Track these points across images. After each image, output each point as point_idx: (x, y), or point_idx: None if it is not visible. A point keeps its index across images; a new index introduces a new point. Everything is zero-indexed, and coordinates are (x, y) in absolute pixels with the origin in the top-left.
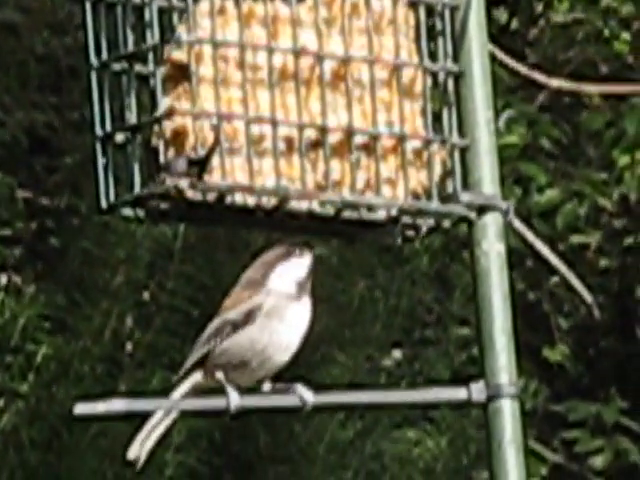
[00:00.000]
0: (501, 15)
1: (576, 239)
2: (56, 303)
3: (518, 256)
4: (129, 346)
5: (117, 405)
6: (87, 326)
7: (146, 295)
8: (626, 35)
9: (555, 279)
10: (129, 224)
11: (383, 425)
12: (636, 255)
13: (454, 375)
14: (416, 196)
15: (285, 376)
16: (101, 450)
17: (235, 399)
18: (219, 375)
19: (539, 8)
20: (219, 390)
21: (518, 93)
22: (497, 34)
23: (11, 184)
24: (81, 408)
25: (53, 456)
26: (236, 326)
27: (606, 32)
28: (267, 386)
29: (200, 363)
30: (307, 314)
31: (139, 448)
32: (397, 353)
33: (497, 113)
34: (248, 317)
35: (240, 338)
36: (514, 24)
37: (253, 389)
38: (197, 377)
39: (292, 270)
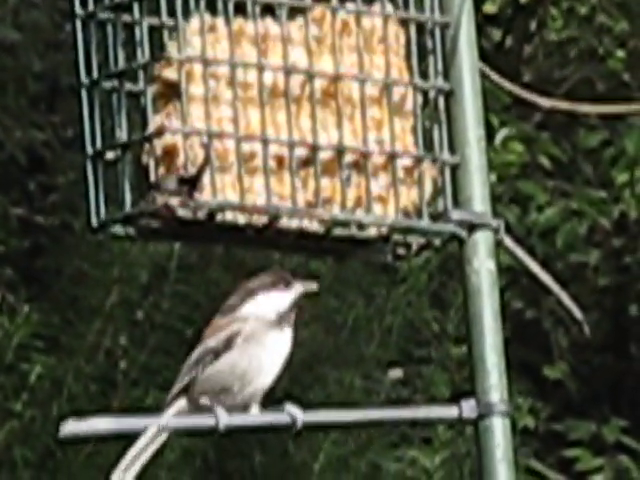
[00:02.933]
0: (495, 33)
1: (574, 258)
2: (50, 322)
3: (514, 274)
4: (123, 365)
5: (101, 424)
6: (81, 345)
7: (140, 314)
8: (621, 53)
9: (553, 297)
10: (123, 243)
11: (378, 444)
12: (631, 273)
13: (454, 394)
14: (407, 214)
15: (278, 395)
16: (95, 469)
17: (224, 418)
18: (204, 400)
19: (533, 26)
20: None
21: (514, 111)
22: (491, 52)
23: (4, 202)
24: (67, 429)
25: (46, 475)
26: (217, 353)
27: (601, 50)
28: (255, 410)
29: (184, 391)
30: (287, 342)
31: (122, 474)
32: (393, 372)
33: (492, 131)
34: (228, 343)
35: (221, 364)
36: (508, 42)
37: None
38: (181, 404)
39: (273, 300)
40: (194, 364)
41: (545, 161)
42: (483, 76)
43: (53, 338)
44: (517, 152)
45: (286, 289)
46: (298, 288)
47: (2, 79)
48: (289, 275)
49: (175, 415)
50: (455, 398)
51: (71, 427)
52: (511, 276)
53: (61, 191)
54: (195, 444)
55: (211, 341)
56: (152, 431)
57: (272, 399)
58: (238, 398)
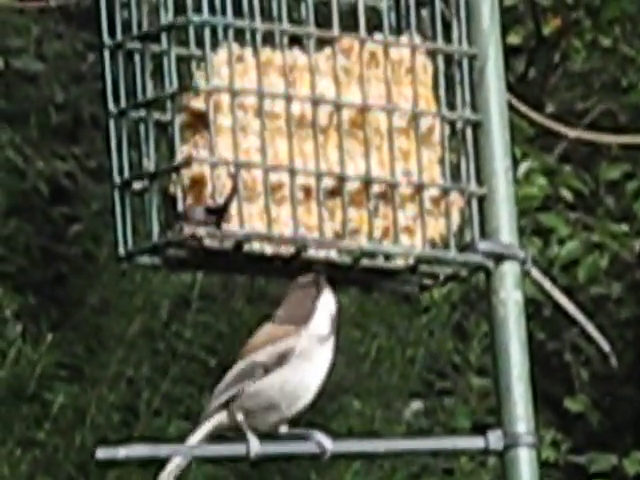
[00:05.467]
0: (519, 64)
1: (596, 290)
2: (73, 351)
3: (537, 306)
4: (145, 394)
5: (139, 450)
6: (103, 374)
7: (162, 344)
8: None
9: (575, 329)
10: (146, 272)
11: (401, 474)
12: None
13: (475, 425)
14: (434, 244)
15: (301, 425)
16: None
17: (255, 446)
18: (240, 418)
19: (556, 57)
20: (235, 435)
21: (537, 143)
22: (515, 83)
23: (27, 232)
24: (103, 453)
25: None
26: (267, 368)
27: (624, 81)
28: (284, 429)
29: (225, 405)
30: (330, 354)
31: None
32: (415, 404)
33: (515, 163)
34: (280, 359)
35: (272, 381)
36: (532, 73)
37: (269, 435)
38: (221, 418)
39: (327, 306)
40: (239, 378)
41: (567, 194)
42: (509, 107)
43: (76, 367)
44: (539, 185)
45: (327, 290)
46: (326, 287)
47: (25, 109)
48: (316, 278)
49: (210, 431)
50: (477, 429)
51: (108, 452)
52: (533, 308)
53: (84, 221)
54: (217, 471)
55: (260, 355)
56: (187, 453)
57: (295, 426)
58: (280, 416)
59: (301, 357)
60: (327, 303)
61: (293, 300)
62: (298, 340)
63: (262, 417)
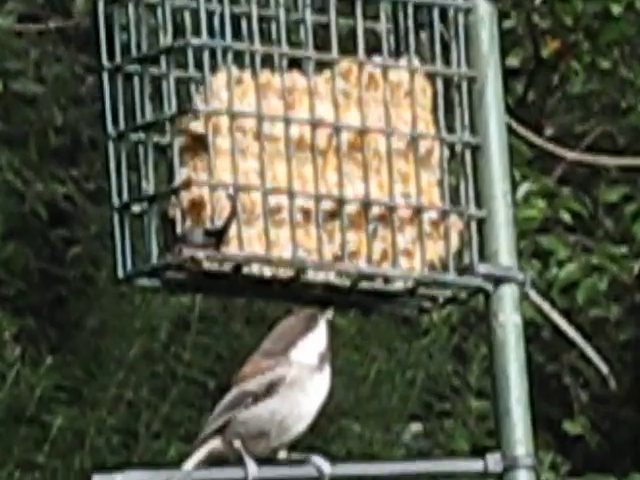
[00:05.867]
0: (518, 86)
1: (595, 312)
2: (72, 374)
3: (536, 328)
4: (145, 417)
5: (135, 476)
6: (103, 397)
7: (162, 366)
8: None
9: (574, 351)
10: (145, 295)
11: None
12: None
13: (474, 448)
14: (433, 267)
15: (301, 448)
16: None
17: (253, 470)
18: (237, 444)
19: (555, 79)
20: (231, 459)
21: (536, 165)
22: (514, 105)
23: (26, 255)
24: (99, 479)
25: None
26: (256, 397)
27: (623, 104)
28: (283, 454)
29: (218, 431)
30: (327, 383)
31: None
32: (415, 426)
33: (515, 185)
34: (269, 388)
35: (260, 410)
36: (531, 96)
37: (269, 458)
38: (215, 444)
39: (313, 343)
40: (230, 406)
41: (566, 216)
42: (508, 130)
43: (75, 390)
44: (539, 207)
45: (317, 326)
46: (323, 319)
47: (24, 132)
48: (313, 310)
49: (205, 456)
50: (477, 451)
51: (104, 478)
52: (532, 330)
53: (83, 244)
54: None
55: (251, 384)
56: (184, 478)
57: (295, 449)
58: (272, 444)
59: (292, 387)
60: (312, 341)
61: (272, 338)
62: (288, 370)
63: (254, 443)
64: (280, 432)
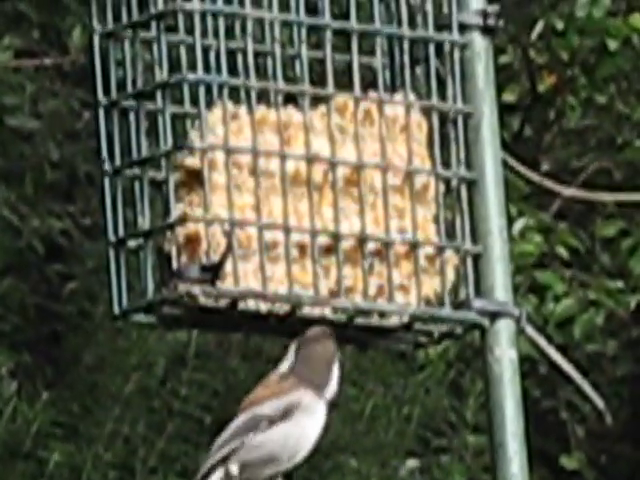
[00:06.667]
0: (514, 122)
1: (591, 348)
2: (68, 409)
3: (532, 363)
4: (141, 452)
5: None
6: (99, 432)
7: (158, 402)
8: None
9: (571, 386)
10: (142, 330)
11: None
12: None
13: None
14: (429, 302)
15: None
16: None
17: None
18: (234, 472)
19: (552, 114)
20: None
21: (532, 200)
22: (510, 141)
23: (22, 290)
24: None
25: None
26: (272, 421)
27: (619, 139)
28: None
29: (222, 460)
30: (325, 408)
31: None
32: (411, 462)
33: (510, 220)
34: (285, 413)
35: (276, 434)
36: (527, 131)
37: None
38: (219, 475)
39: (338, 367)
40: (243, 430)
41: (563, 251)
42: (504, 165)
43: (72, 425)
44: (535, 242)
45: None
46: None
47: (20, 167)
48: (328, 332)
49: None
50: None
51: None
52: (529, 365)
53: (79, 279)
54: None
55: (265, 408)
56: None
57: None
58: (283, 468)
59: (304, 411)
60: (338, 364)
61: (312, 357)
62: (304, 395)
63: (260, 470)
64: (291, 456)
